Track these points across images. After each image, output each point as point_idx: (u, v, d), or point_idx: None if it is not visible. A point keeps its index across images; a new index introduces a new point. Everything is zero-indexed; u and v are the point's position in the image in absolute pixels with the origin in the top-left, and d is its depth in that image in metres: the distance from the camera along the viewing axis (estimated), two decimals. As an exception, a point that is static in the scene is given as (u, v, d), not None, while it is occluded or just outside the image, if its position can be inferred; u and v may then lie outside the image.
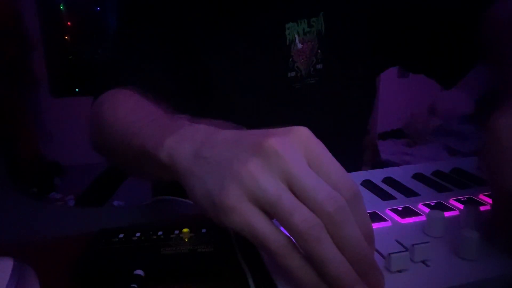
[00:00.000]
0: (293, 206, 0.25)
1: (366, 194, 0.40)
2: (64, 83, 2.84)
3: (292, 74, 0.58)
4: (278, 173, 0.26)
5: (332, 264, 0.25)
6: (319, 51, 0.58)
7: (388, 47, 0.61)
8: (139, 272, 0.32)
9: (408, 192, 0.41)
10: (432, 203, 0.38)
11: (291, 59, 0.58)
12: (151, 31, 0.57)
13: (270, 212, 0.26)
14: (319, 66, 0.59)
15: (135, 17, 0.59)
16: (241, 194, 0.27)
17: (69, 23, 2.79)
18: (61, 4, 2.74)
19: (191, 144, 0.32)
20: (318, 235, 0.25)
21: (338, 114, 0.62)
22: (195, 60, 0.58)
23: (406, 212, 0.35)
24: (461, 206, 0.37)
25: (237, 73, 0.58)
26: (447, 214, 0.35)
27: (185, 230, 0.37)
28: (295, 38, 0.57)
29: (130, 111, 0.46)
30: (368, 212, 0.35)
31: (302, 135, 0.28)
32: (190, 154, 0.31)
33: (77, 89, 2.87)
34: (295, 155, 0.27)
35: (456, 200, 0.38)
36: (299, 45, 0.57)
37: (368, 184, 0.42)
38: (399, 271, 0.27)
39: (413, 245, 0.28)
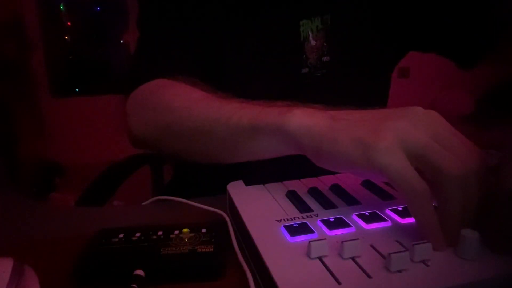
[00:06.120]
0: (443, 152, 0.29)
1: (366, 194, 0.40)
2: (64, 83, 2.84)
3: (305, 70, 0.59)
4: (426, 129, 0.31)
5: (460, 206, 0.29)
6: (325, 43, 0.59)
7: (400, 29, 0.61)
8: (139, 272, 0.32)
9: (408, 192, 0.40)
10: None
11: (304, 56, 0.58)
12: (179, 26, 0.58)
13: (419, 159, 0.30)
14: (325, 58, 0.59)
15: (163, 12, 0.59)
16: (395, 139, 0.30)
17: (69, 23, 2.79)
18: (61, 4, 2.74)
19: (322, 113, 0.36)
20: (468, 181, 0.29)
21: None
22: (212, 55, 0.58)
23: (406, 212, 0.34)
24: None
25: (252, 68, 0.59)
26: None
27: (185, 230, 0.37)
28: (308, 35, 0.58)
29: (208, 95, 0.47)
30: (368, 212, 0.35)
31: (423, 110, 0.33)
32: (327, 119, 0.35)
33: (77, 89, 2.87)
34: (438, 117, 0.32)
35: (456, 200, 0.38)
36: (313, 42, 0.58)
37: (368, 184, 0.42)
38: (399, 271, 0.27)
39: (413, 245, 0.28)
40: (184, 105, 0.47)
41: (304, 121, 0.36)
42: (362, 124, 0.33)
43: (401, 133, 0.30)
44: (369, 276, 0.27)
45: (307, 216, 0.36)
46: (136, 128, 0.53)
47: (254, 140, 0.40)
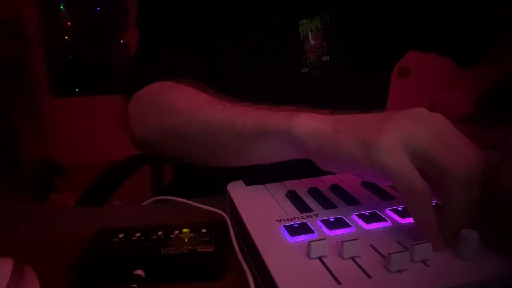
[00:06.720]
0: (447, 152, 0.29)
1: (366, 194, 0.40)
2: (64, 83, 2.84)
3: (305, 70, 0.59)
4: (429, 129, 0.30)
5: (463, 206, 0.29)
6: (324, 43, 0.59)
7: (399, 29, 0.61)
8: (139, 272, 0.32)
9: (408, 192, 0.40)
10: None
11: (304, 55, 0.58)
12: (178, 27, 0.57)
13: (422, 158, 0.30)
14: (325, 58, 0.59)
15: (163, 13, 0.59)
16: (397, 139, 0.30)
17: (69, 23, 2.78)
18: (61, 4, 2.74)
19: (327, 117, 0.36)
20: (471, 181, 0.29)
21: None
22: (212, 55, 0.58)
23: (406, 212, 0.34)
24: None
25: (252, 68, 0.59)
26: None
27: (185, 230, 0.37)
28: (308, 34, 0.58)
29: (213, 98, 0.47)
30: (368, 212, 0.35)
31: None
32: (331, 122, 0.35)
33: (77, 89, 2.87)
34: (442, 118, 0.32)
35: (456, 200, 0.38)
36: (312, 42, 0.58)
37: (368, 184, 0.42)
38: (399, 271, 0.27)
39: (413, 245, 0.28)
40: (189, 108, 0.47)
41: (310, 124, 0.36)
42: (365, 125, 0.33)
43: (404, 133, 0.30)
44: (369, 276, 0.27)
45: (307, 216, 0.36)
46: (139, 130, 0.52)
47: (259, 144, 0.40)
